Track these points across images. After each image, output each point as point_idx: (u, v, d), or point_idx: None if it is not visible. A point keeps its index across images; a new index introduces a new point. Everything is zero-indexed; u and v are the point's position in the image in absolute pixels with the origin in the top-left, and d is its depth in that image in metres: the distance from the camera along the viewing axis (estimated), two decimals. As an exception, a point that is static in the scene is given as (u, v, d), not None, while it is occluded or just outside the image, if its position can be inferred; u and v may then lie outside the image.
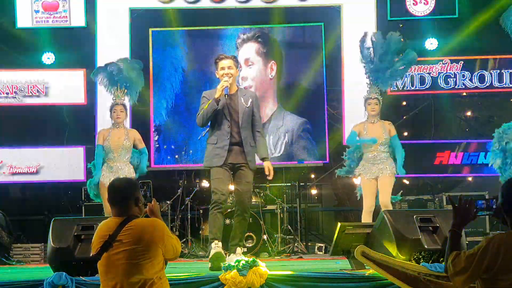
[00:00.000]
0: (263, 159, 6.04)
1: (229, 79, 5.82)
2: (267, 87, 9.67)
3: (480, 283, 3.01)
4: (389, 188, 7.05)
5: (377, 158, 7.08)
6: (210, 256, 5.70)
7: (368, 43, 7.32)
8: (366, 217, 7.00)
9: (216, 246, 5.74)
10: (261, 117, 6.14)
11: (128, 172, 7.11)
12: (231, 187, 6.11)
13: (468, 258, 2.98)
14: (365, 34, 7.39)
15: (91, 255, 3.55)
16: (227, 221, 7.98)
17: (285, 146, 9.63)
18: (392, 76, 7.37)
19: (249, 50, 9.73)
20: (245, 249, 8.23)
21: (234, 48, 9.84)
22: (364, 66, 7.38)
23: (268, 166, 5.98)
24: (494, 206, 3.17)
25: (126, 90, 7.52)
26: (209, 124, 5.96)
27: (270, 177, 6.05)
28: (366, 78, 7.37)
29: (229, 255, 5.93)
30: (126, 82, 7.58)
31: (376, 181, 7.04)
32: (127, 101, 7.66)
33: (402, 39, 7.38)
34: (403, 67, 7.42)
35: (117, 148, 7.14)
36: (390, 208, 6.90)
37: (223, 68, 5.88)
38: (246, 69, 9.64)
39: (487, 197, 9.19)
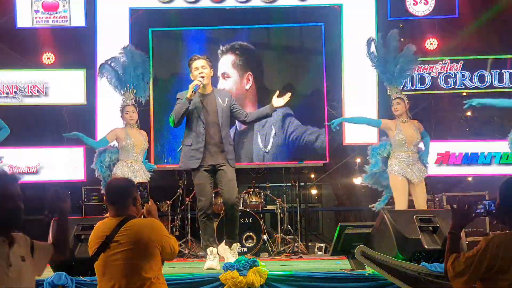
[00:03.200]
0: (270, 106, 5.95)
1: (202, 79, 5.83)
2: (243, 98, 9.57)
3: (480, 283, 3.01)
4: (425, 191, 7.07)
5: (411, 159, 7.02)
6: (204, 268, 5.72)
7: (372, 48, 7.34)
8: None
9: (211, 255, 5.78)
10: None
11: (145, 173, 7.04)
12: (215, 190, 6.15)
13: (467, 260, 2.98)
14: (369, 40, 7.42)
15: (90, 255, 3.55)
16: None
17: (273, 138, 9.55)
18: (401, 72, 7.34)
19: (226, 63, 9.67)
20: (245, 249, 8.24)
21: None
22: (376, 70, 7.52)
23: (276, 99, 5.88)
24: (493, 209, 3.15)
25: (135, 91, 7.52)
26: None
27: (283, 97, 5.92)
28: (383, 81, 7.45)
29: (222, 246, 5.94)
30: (134, 82, 7.58)
31: (407, 181, 6.95)
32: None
33: (398, 37, 7.37)
34: (407, 61, 7.39)
35: (139, 148, 7.09)
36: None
37: (197, 68, 5.90)
38: (222, 82, 9.58)
39: (487, 197, 9.18)
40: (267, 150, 9.53)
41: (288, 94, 5.96)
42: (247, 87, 9.67)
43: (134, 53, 7.59)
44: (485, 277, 2.97)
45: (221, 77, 9.58)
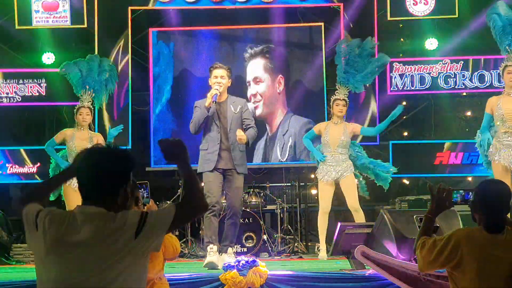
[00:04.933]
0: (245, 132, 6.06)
1: (219, 87, 6.00)
2: (275, 101, 9.71)
3: (449, 277, 3.14)
4: (352, 188, 7.33)
5: (335, 160, 7.28)
6: (204, 264, 5.86)
7: (342, 49, 7.80)
8: (322, 219, 7.31)
9: (211, 251, 5.90)
10: (253, 119, 6.33)
11: None
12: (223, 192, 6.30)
13: (433, 245, 3.12)
14: (340, 42, 8.06)
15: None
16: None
17: (290, 149, 9.64)
18: (364, 78, 7.76)
19: (257, 67, 9.72)
20: (245, 249, 8.24)
21: (234, 49, 9.88)
22: (337, 69, 7.82)
23: (241, 135, 5.98)
24: (468, 198, 3.35)
25: (93, 95, 7.62)
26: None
27: (238, 138, 5.99)
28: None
29: (221, 255, 6.05)
30: (95, 86, 7.70)
31: (334, 184, 7.32)
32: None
33: (374, 44, 8.00)
34: (376, 69, 7.89)
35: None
36: (360, 211, 7.08)
37: (216, 77, 6.09)
38: (255, 86, 9.66)
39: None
40: (283, 160, 9.61)
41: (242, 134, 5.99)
42: (279, 90, 9.73)
43: (103, 60, 7.82)
44: (449, 270, 3.10)
45: (252, 82, 9.64)
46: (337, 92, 7.64)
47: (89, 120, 7.33)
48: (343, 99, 7.44)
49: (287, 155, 9.64)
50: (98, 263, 2.25)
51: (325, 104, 9.73)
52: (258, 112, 9.63)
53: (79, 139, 7.21)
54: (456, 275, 3.08)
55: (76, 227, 2.29)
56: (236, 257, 5.48)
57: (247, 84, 9.65)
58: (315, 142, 7.70)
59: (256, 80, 9.68)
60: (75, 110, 7.49)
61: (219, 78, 6.07)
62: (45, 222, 2.33)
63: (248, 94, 9.59)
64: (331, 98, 7.68)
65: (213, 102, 5.94)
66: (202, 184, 6.02)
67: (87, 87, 7.57)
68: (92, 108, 7.66)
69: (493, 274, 2.99)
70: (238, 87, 8.79)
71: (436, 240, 3.13)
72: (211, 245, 5.93)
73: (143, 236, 2.29)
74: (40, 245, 2.32)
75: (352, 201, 7.29)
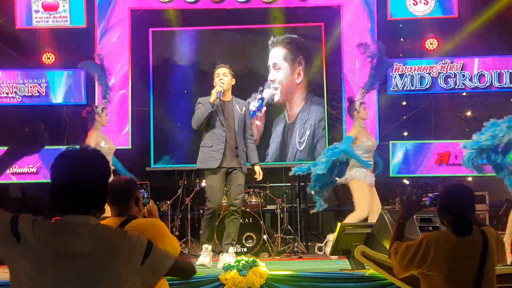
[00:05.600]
0: (254, 164, 6.46)
1: (223, 84, 6.21)
2: (293, 91, 9.78)
3: (421, 278, 3.28)
4: (373, 193, 7.25)
5: (371, 164, 7.25)
6: (197, 264, 5.92)
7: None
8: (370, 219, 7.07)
9: (205, 252, 6.09)
10: (251, 124, 6.65)
11: None
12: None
13: (406, 250, 3.24)
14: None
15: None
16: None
17: (308, 138, 9.69)
18: (374, 79, 7.62)
19: (277, 55, 9.81)
20: (245, 249, 8.24)
21: (235, 49, 9.90)
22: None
23: (258, 170, 6.48)
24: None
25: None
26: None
27: (259, 179, 6.57)
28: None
29: (222, 255, 6.15)
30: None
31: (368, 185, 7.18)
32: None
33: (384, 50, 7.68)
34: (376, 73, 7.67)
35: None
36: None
37: (218, 75, 6.31)
38: (274, 72, 9.75)
39: (487, 196, 9.19)
40: (301, 148, 9.67)
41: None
42: (298, 81, 9.80)
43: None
44: (422, 271, 3.23)
45: (272, 67, 9.75)
46: (361, 95, 7.52)
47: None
48: (363, 102, 7.40)
49: (304, 143, 9.68)
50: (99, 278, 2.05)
51: (325, 104, 9.73)
52: (276, 98, 9.74)
53: (103, 139, 7.23)
54: (428, 276, 3.21)
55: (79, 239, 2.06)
56: (236, 257, 5.50)
57: (268, 67, 9.78)
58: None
59: (276, 67, 9.78)
60: (98, 109, 7.43)
61: (222, 75, 6.28)
62: (36, 231, 2.02)
63: (268, 79, 9.73)
64: (356, 101, 7.45)
65: (217, 98, 6.11)
66: (203, 184, 6.13)
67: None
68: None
69: (462, 274, 3.15)
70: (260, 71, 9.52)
71: (408, 245, 3.25)
72: (206, 245, 6.13)
73: (149, 264, 2.13)
74: (31, 259, 2.00)
75: (378, 202, 7.24)
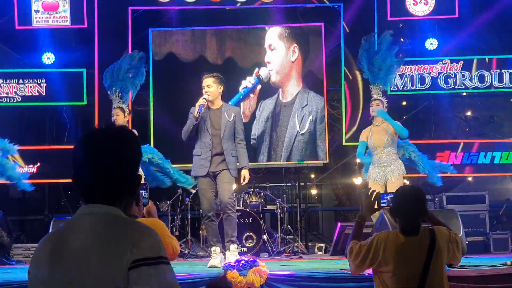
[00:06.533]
0: (242, 168, 6.51)
1: (207, 97, 6.35)
2: (288, 69, 9.83)
3: (374, 275, 3.47)
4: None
5: (382, 162, 7.07)
6: (207, 266, 6.18)
7: (365, 47, 7.63)
8: None
9: (214, 253, 6.25)
10: (243, 129, 6.63)
11: None
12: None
13: (360, 248, 3.42)
14: (364, 38, 7.75)
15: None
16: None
17: (310, 124, 9.70)
18: (387, 74, 7.57)
19: (273, 35, 9.93)
20: (245, 249, 8.24)
21: (235, 49, 9.91)
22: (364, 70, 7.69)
23: (244, 174, 6.47)
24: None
25: (120, 94, 7.72)
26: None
27: (243, 183, 6.58)
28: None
29: (224, 253, 6.28)
30: (121, 86, 7.76)
31: (384, 186, 6.96)
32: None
33: (391, 38, 7.64)
34: (394, 65, 7.69)
35: None
36: None
37: (203, 87, 6.44)
38: (269, 53, 9.86)
39: (487, 196, 9.19)
40: (302, 132, 9.68)
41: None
42: (293, 59, 9.86)
43: (133, 55, 7.90)
44: (375, 268, 3.41)
45: (268, 48, 9.86)
46: (372, 93, 7.51)
47: (120, 120, 7.34)
48: (376, 99, 7.28)
49: (306, 128, 9.69)
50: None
51: (325, 104, 9.73)
52: (273, 79, 9.80)
53: None
54: (380, 273, 3.39)
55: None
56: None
57: (264, 50, 9.86)
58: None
59: (271, 48, 9.86)
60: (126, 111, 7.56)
61: (206, 88, 6.40)
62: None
63: (265, 60, 9.81)
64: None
65: (198, 113, 6.25)
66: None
67: (113, 88, 7.66)
68: (125, 107, 7.63)
69: (408, 272, 3.29)
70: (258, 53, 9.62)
71: (361, 245, 3.42)
72: (214, 247, 6.28)
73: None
74: None
75: None
